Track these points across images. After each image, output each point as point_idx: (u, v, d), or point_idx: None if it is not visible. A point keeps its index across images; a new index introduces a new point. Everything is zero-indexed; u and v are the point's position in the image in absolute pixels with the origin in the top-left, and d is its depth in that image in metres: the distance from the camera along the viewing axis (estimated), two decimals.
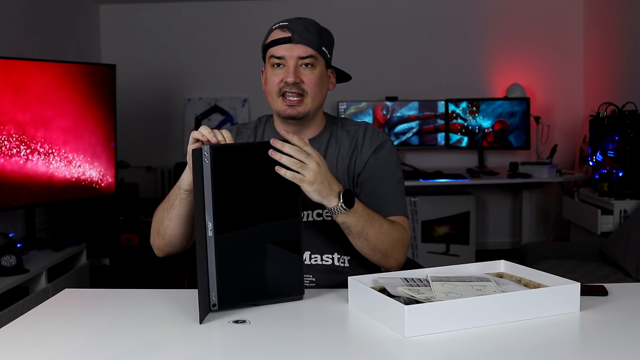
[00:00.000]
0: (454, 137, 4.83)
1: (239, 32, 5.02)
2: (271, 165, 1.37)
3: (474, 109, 4.76)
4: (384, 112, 4.83)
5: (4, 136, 3.23)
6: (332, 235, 1.62)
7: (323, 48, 1.61)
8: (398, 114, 4.83)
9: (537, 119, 4.62)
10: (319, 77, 1.61)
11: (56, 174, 3.54)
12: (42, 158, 3.45)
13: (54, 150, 3.51)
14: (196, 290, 1.31)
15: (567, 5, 4.93)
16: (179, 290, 1.54)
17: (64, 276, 3.49)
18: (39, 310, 1.45)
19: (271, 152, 1.36)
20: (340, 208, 1.43)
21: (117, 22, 5.09)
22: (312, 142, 1.67)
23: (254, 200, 1.37)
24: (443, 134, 4.85)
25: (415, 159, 4.93)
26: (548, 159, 4.39)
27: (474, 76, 4.99)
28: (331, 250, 1.64)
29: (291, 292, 1.44)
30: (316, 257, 1.64)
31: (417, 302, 1.27)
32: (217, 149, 1.33)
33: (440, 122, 4.84)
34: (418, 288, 1.36)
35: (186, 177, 1.47)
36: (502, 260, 1.54)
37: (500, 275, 1.50)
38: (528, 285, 1.42)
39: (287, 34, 1.58)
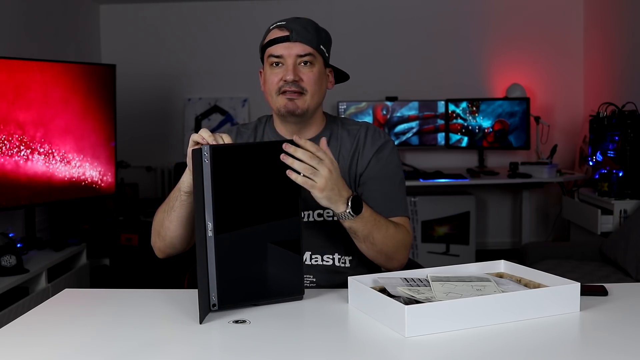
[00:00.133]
0: (454, 137, 4.83)
1: (239, 32, 5.02)
2: (271, 165, 1.37)
3: (474, 109, 4.76)
4: (384, 112, 4.83)
5: (4, 136, 3.24)
6: (333, 236, 1.62)
7: (321, 46, 1.61)
8: (398, 114, 4.83)
9: (537, 119, 4.62)
10: (317, 75, 1.61)
11: (56, 174, 3.54)
12: (42, 158, 3.45)
13: (54, 150, 3.51)
14: (196, 290, 1.31)
15: (567, 5, 4.93)
16: (179, 290, 1.54)
17: (64, 276, 3.49)
18: (39, 310, 1.45)
19: (283, 157, 1.36)
20: (348, 214, 1.43)
21: (117, 22, 5.09)
22: (312, 141, 1.67)
23: (254, 200, 1.37)
24: (443, 134, 4.85)
25: (415, 159, 4.93)
26: (548, 159, 4.39)
27: (474, 76, 4.99)
28: (332, 250, 1.64)
29: (291, 292, 1.44)
30: (317, 258, 1.64)
31: (417, 302, 1.27)
32: (217, 149, 1.33)
33: (440, 122, 4.84)
34: (418, 288, 1.36)
35: (186, 179, 1.47)
36: (502, 260, 1.54)
37: (500, 275, 1.50)
38: (528, 285, 1.42)
39: (285, 33, 1.58)
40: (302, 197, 1.43)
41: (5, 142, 3.25)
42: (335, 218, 1.65)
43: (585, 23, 4.88)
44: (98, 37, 5.07)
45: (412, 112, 4.83)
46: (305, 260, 1.63)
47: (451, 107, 4.81)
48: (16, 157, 3.31)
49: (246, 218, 1.37)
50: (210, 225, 1.33)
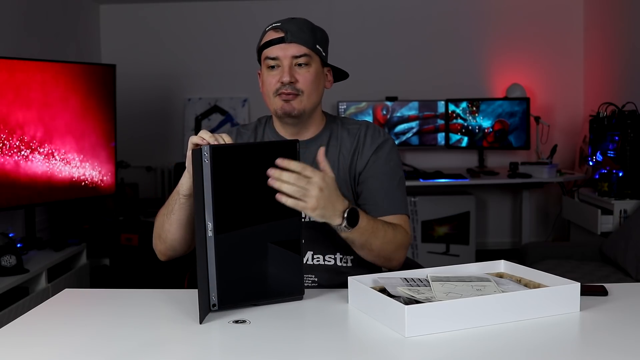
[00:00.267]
0: (454, 137, 4.83)
1: (239, 32, 5.02)
2: (271, 165, 1.37)
3: (474, 109, 4.76)
4: (384, 112, 4.83)
5: (4, 136, 3.24)
6: (334, 236, 1.62)
7: (317, 46, 1.61)
8: (398, 114, 4.83)
9: (537, 119, 4.62)
10: (314, 75, 1.61)
11: (56, 174, 3.54)
12: (42, 158, 3.45)
13: (54, 150, 3.51)
14: (196, 290, 1.31)
15: (567, 5, 4.93)
16: (179, 290, 1.54)
17: (64, 276, 3.49)
18: (39, 310, 1.45)
19: (270, 182, 1.32)
20: (344, 228, 1.42)
21: (117, 22, 5.09)
22: (312, 141, 1.68)
23: (253, 200, 1.37)
24: (443, 134, 4.85)
25: (415, 159, 4.93)
26: (548, 159, 4.39)
27: (474, 76, 4.99)
28: (333, 250, 1.64)
29: (291, 292, 1.44)
30: (319, 258, 1.65)
31: (417, 302, 1.27)
32: (217, 149, 1.33)
33: (440, 122, 4.84)
34: (418, 288, 1.36)
35: (184, 183, 1.47)
36: (502, 260, 1.54)
37: (500, 275, 1.50)
38: (528, 285, 1.42)
39: (280, 34, 1.59)
40: None
41: (5, 142, 3.25)
42: None
43: (585, 23, 4.88)
44: (98, 37, 5.07)
45: (412, 112, 4.83)
46: (307, 260, 1.64)
47: (451, 107, 4.81)
48: (16, 157, 3.31)
49: (246, 218, 1.37)
50: (210, 226, 1.33)
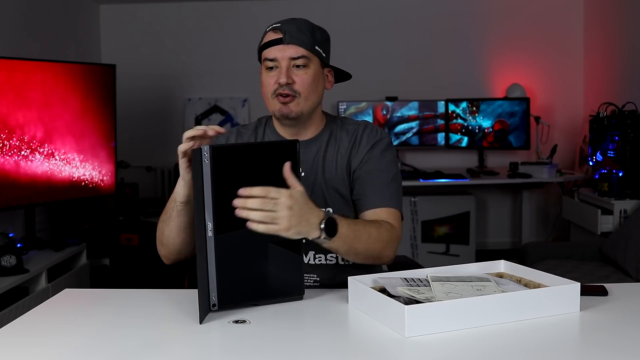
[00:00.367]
0: (454, 137, 4.83)
1: (239, 32, 5.02)
2: (271, 165, 1.37)
3: (474, 109, 4.76)
4: (384, 112, 4.83)
5: (4, 136, 3.24)
6: None
7: (316, 47, 1.61)
8: (398, 114, 4.83)
9: (537, 119, 4.62)
10: (312, 77, 1.61)
11: (56, 174, 3.54)
12: (42, 158, 3.45)
13: (54, 150, 3.51)
14: (196, 290, 1.31)
15: (567, 5, 4.93)
16: (179, 290, 1.55)
17: (64, 276, 3.49)
18: (39, 310, 1.45)
19: (238, 212, 1.29)
20: (324, 240, 1.39)
21: (117, 22, 5.09)
22: (312, 141, 1.68)
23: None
24: (443, 134, 4.85)
25: (415, 159, 4.93)
26: (548, 159, 4.39)
27: (474, 76, 4.99)
28: None
29: (291, 292, 1.44)
30: (320, 257, 1.65)
31: (417, 302, 1.27)
32: (217, 149, 1.33)
33: (440, 122, 4.84)
34: (418, 288, 1.36)
35: (180, 190, 1.47)
36: (502, 260, 1.54)
37: (500, 275, 1.50)
38: (528, 285, 1.42)
39: (279, 35, 1.59)
40: None
41: (6, 141, 3.25)
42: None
43: (585, 23, 4.88)
44: (98, 37, 5.07)
45: (412, 112, 4.83)
46: (309, 259, 1.64)
47: (451, 107, 4.81)
48: (16, 157, 3.31)
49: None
50: (210, 226, 1.33)
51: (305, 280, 1.59)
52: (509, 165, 4.49)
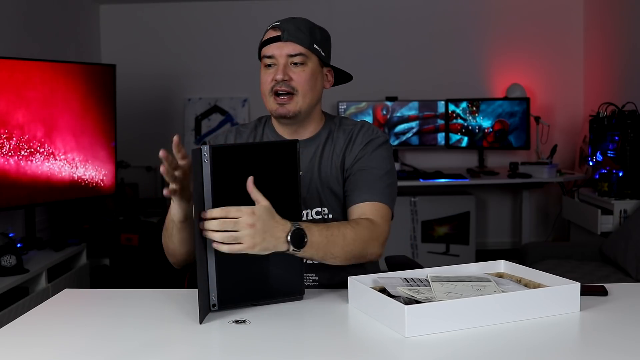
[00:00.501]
0: (454, 137, 4.83)
1: (239, 32, 5.02)
2: (271, 165, 1.37)
3: (474, 109, 4.76)
4: (384, 112, 4.83)
5: (4, 136, 3.24)
6: None
7: (315, 46, 1.62)
8: (398, 114, 4.83)
9: (537, 119, 4.61)
10: (309, 75, 1.61)
11: (56, 174, 3.54)
12: (42, 158, 3.45)
13: (53, 150, 3.51)
14: (196, 291, 1.31)
15: (567, 5, 4.93)
16: (179, 290, 1.55)
17: (64, 276, 3.49)
18: (39, 310, 1.45)
19: (203, 233, 1.29)
20: (292, 251, 1.37)
21: (117, 22, 5.08)
22: (311, 141, 1.68)
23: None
24: (443, 134, 4.85)
25: (415, 159, 4.93)
26: (548, 159, 4.39)
27: (474, 76, 4.99)
28: None
29: (291, 292, 1.44)
30: None
31: (417, 302, 1.27)
32: (217, 149, 1.33)
33: (440, 122, 4.84)
34: (418, 288, 1.36)
35: (175, 213, 1.46)
36: (502, 260, 1.54)
37: (500, 275, 1.50)
38: (528, 285, 1.42)
39: (278, 33, 1.60)
40: (303, 197, 1.43)
41: (6, 142, 3.25)
42: (334, 215, 1.65)
43: (585, 23, 4.88)
44: (98, 37, 5.07)
45: (412, 112, 4.83)
46: (308, 259, 1.64)
47: (451, 107, 4.81)
48: (16, 157, 3.31)
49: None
50: None
51: (305, 280, 1.59)
52: (509, 165, 4.49)
